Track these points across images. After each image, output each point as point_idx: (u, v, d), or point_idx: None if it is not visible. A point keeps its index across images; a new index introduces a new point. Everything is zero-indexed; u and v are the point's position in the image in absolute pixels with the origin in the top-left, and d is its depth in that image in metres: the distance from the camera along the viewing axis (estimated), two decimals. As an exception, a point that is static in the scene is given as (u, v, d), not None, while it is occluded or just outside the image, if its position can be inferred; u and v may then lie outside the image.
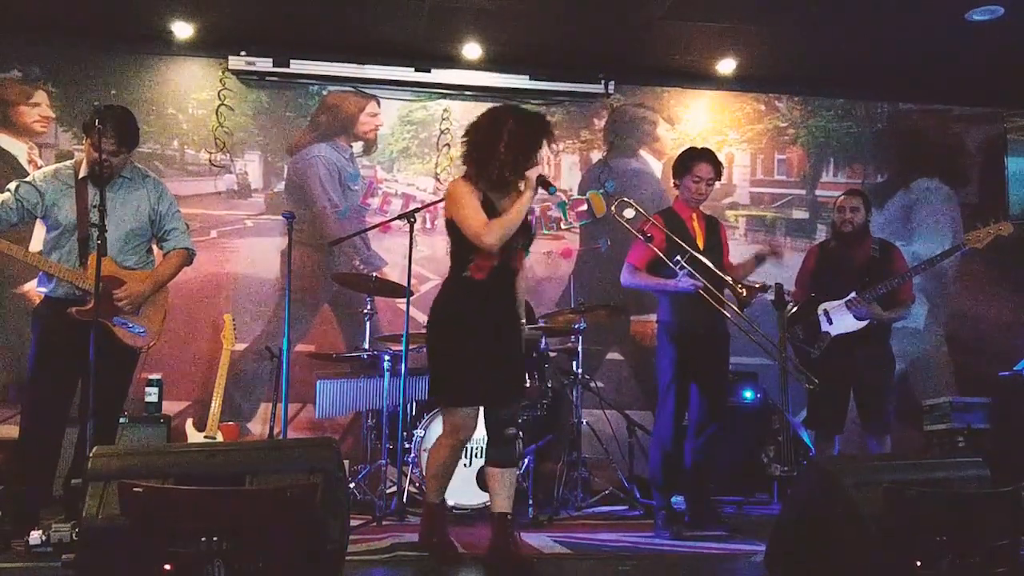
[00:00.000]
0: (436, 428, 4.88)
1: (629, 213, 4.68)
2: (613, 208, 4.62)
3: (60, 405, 3.90)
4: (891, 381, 4.90)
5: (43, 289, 4.00)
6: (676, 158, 4.73)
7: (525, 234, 3.55)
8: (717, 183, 4.71)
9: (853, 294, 4.68)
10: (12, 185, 3.95)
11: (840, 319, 4.73)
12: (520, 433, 3.80)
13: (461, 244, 3.48)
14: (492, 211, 3.41)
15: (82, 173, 3.96)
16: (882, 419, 4.70)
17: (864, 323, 4.66)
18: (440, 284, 3.71)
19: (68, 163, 4.10)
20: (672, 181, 4.75)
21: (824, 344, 4.73)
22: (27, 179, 3.99)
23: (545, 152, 3.51)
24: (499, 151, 3.37)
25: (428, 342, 3.59)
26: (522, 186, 3.43)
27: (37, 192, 3.94)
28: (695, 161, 4.59)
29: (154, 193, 4.11)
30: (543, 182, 3.41)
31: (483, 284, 3.45)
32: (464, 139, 3.52)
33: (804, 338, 4.81)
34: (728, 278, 4.33)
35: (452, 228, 3.49)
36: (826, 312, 4.78)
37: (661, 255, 4.39)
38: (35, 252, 3.97)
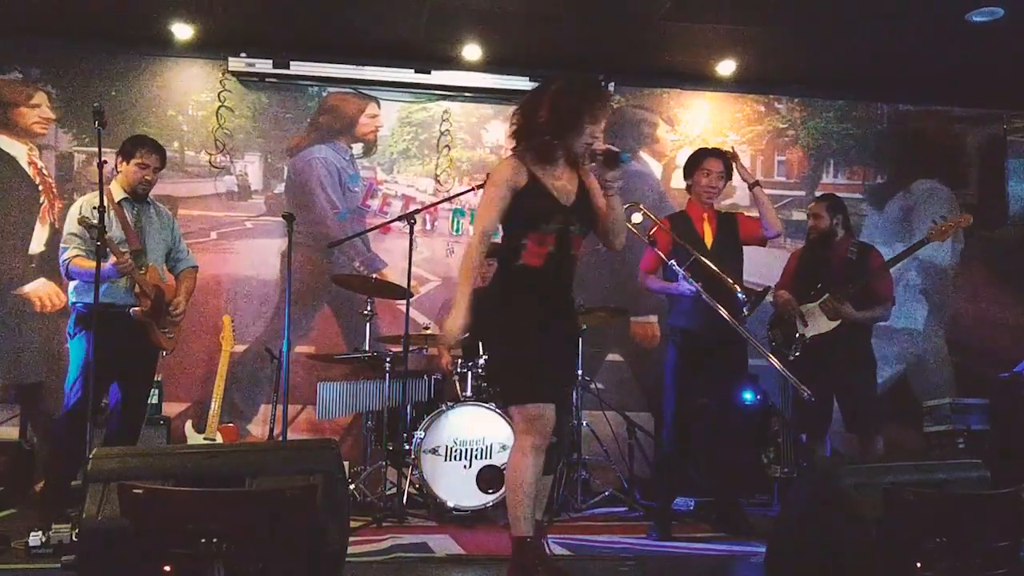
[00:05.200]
0: (436, 430, 4.85)
1: (637, 218, 4.72)
2: None
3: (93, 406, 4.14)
4: (872, 381, 4.91)
5: (86, 299, 4.19)
6: (687, 159, 4.79)
7: (585, 218, 3.23)
8: (732, 183, 4.82)
9: (827, 295, 4.73)
10: (77, 227, 4.23)
11: (814, 321, 4.78)
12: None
13: (512, 227, 3.12)
14: (538, 192, 3.08)
15: (118, 196, 4.41)
16: (867, 419, 4.71)
17: (836, 323, 4.69)
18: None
19: (93, 195, 4.29)
20: (684, 183, 4.80)
21: (800, 346, 4.77)
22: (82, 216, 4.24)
23: (599, 125, 3.08)
24: (540, 117, 3.04)
25: (490, 342, 3.32)
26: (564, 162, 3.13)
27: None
28: (704, 156, 4.71)
29: (167, 218, 4.64)
30: (607, 156, 3.00)
31: (538, 272, 3.11)
32: (513, 116, 3.19)
33: (782, 341, 4.86)
34: (729, 281, 4.35)
35: None
36: (802, 315, 4.82)
37: (664, 259, 4.48)
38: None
